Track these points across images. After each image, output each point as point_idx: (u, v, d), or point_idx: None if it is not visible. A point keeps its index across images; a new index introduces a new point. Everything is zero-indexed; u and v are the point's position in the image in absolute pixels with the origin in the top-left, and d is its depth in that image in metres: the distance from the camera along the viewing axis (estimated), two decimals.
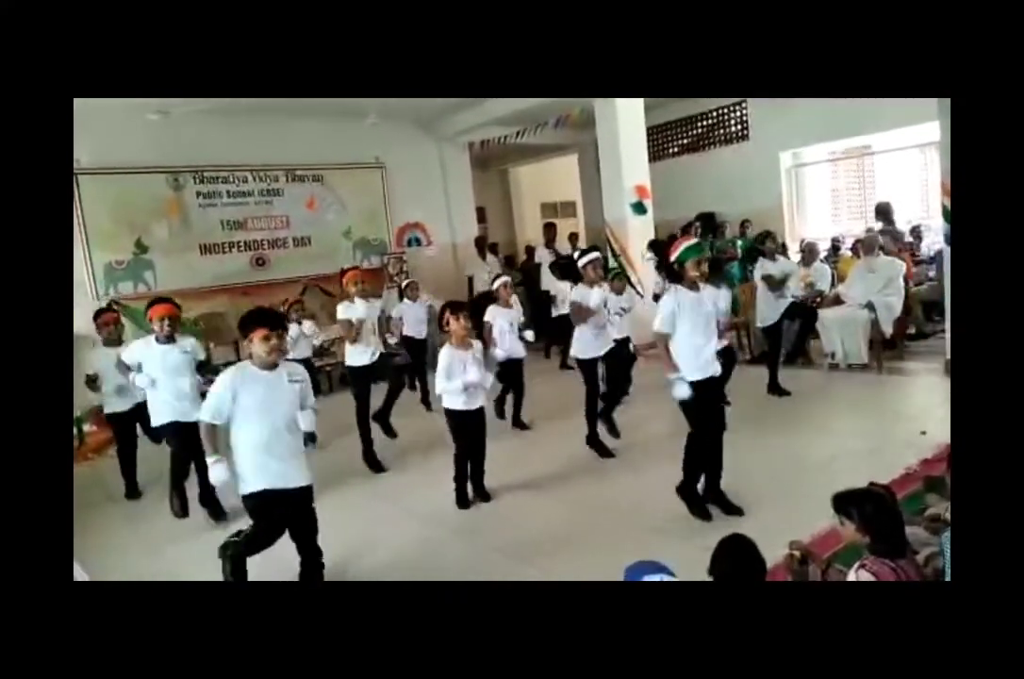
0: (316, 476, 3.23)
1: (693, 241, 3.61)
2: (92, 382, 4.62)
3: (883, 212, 7.47)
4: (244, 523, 3.87)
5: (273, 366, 2.96)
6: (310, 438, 5.39)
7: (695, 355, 3.50)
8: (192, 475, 4.20)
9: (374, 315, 4.97)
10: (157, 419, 4.12)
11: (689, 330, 3.49)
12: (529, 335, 5.35)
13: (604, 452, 4.69)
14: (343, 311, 4.84)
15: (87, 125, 5.26)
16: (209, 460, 2.95)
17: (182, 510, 4.14)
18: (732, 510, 3.60)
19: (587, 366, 4.70)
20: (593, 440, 4.75)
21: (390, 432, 5.10)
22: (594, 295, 4.62)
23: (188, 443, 4.03)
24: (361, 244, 8.66)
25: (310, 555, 3.20)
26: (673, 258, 3.52)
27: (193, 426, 3.98)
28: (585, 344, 4.68)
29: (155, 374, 4.04)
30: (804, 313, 6.02)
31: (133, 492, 4.79)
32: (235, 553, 3.07)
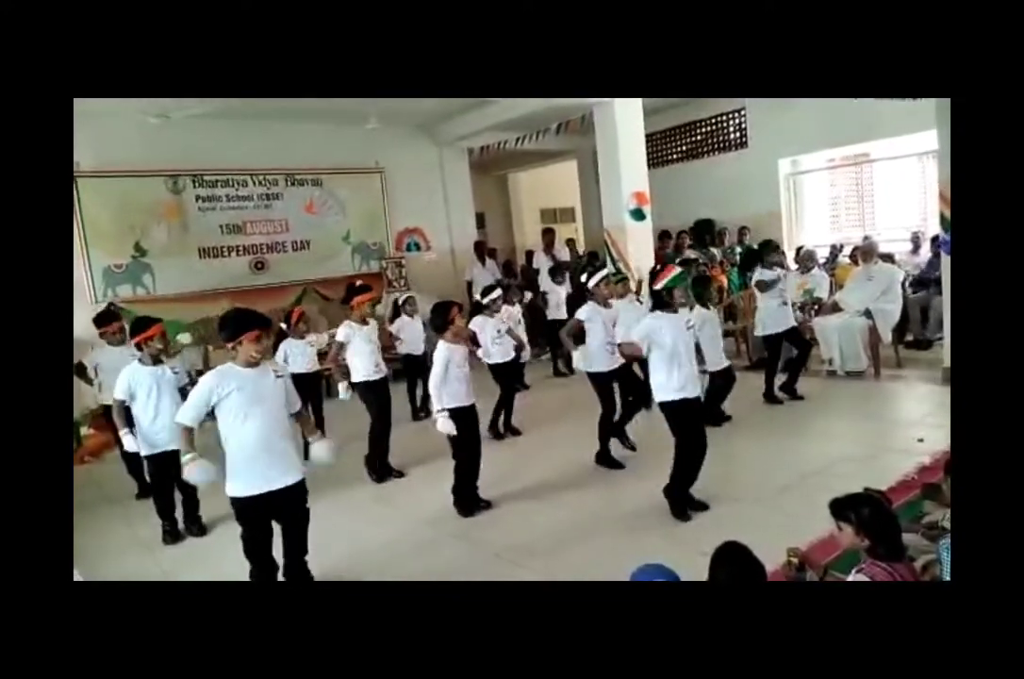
0: (316, 478, 3.24)
1: (678, 271, 3.78)
2: (82, 373, 4.68)
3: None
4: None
5: (256, 363, 2.94)
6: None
7: (677, 377, 3.63)
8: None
9: (375, 335, 4.87)
10: (143, 448, 3.98)
11: (669, 351, 3.62)
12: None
13: (615, 465, 4.61)
14: (343, 333, 4.78)
15: (87, 128, 5.28)
16: (184, 459, 2.90)
17: (173, 539, 4.05)
18: (697, 507, 3.75)
19: (599, 379, 4.59)
20: (604, 457, 4.63)
21: (395, 473, 4.87)
22: (606, 315, 4.62)
23: (169, 473, 3.99)
24: (360, 248, 8.66)
25: (295, 552, 3.19)
26: (661, 286, 3.68)
27: (175, 453, 3.95)
28: (596, 358, 4.56)
29: (144, 398, 3.92)
30: (800, 342, 5.95)
31: (145, 491, 4.67)
32: (253, 571, 3.10)
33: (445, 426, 3.81)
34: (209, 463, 2.91)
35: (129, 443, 3.95)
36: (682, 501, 3.73)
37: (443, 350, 3.90)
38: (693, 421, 3.73)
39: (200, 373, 3.94)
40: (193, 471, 2.88)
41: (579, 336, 4.65)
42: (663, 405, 3.71)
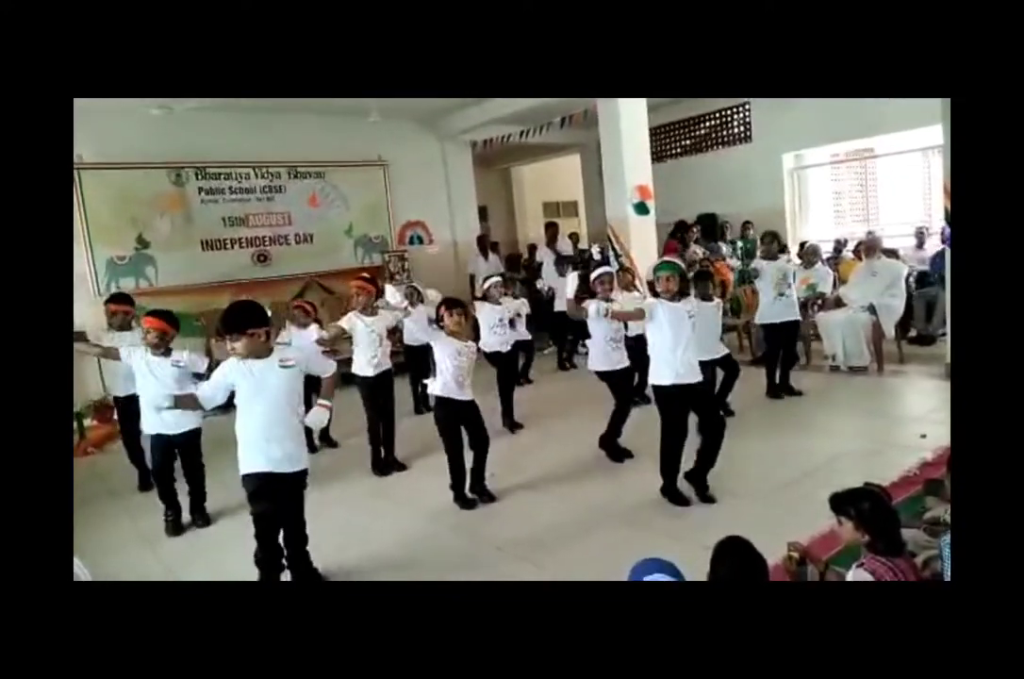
0: (318, 471, 3.25)
1: (663, 260, 3.88)
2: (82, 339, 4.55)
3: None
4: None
5: (267, 352, 3.02)
6: (323, 439, 5.48)
7: (671, 360, 3.71)
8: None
9: (380, 327, 4.79)
10: (145, 426, 4.08)
11: (668, 337, 3.70)
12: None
13: (616, 455, 4.63)
14: (346, 321, 4.74)
15: (90, 120, 5.27)
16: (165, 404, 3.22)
17: (175, 530, 4.08)
18: (705, 498, 3.81)
19: (607, 377, 4.64)
20: (608, 442, 4.67)
21: (397, 466, 4.86)
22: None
23: (169, 458, 4.07)
24: (363, 241, 8.66)
25: (294, 541, 3.22)
26: (650, 274, 3.80)
27: (175, 437, 4.01)
28: (602, 356, 4.61)
29: (145, 383, 3.98)
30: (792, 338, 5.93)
31: (146, 482, 4.69)
32: (259, 555, 3.13)
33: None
34: (163, 400, 3.22)
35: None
36: (676, 489, 3.81)
37: (441, 335, 3.94)
38: (697, 407, 3.79)
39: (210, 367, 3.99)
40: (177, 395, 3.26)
41: (583, 331, 4.67)
42: (655, 389, 3.79)
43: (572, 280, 4.02)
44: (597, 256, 4.29)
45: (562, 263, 7.96)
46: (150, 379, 3.96)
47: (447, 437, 4.01)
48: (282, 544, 3.17)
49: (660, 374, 3.75)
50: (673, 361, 3.70)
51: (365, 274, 5.36)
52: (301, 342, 4.92)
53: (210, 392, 3.08)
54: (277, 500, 3.10)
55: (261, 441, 3.00)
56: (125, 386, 4.61)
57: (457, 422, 4.03)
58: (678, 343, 3.70)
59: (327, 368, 3.33)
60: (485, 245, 9.24)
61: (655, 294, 3.78)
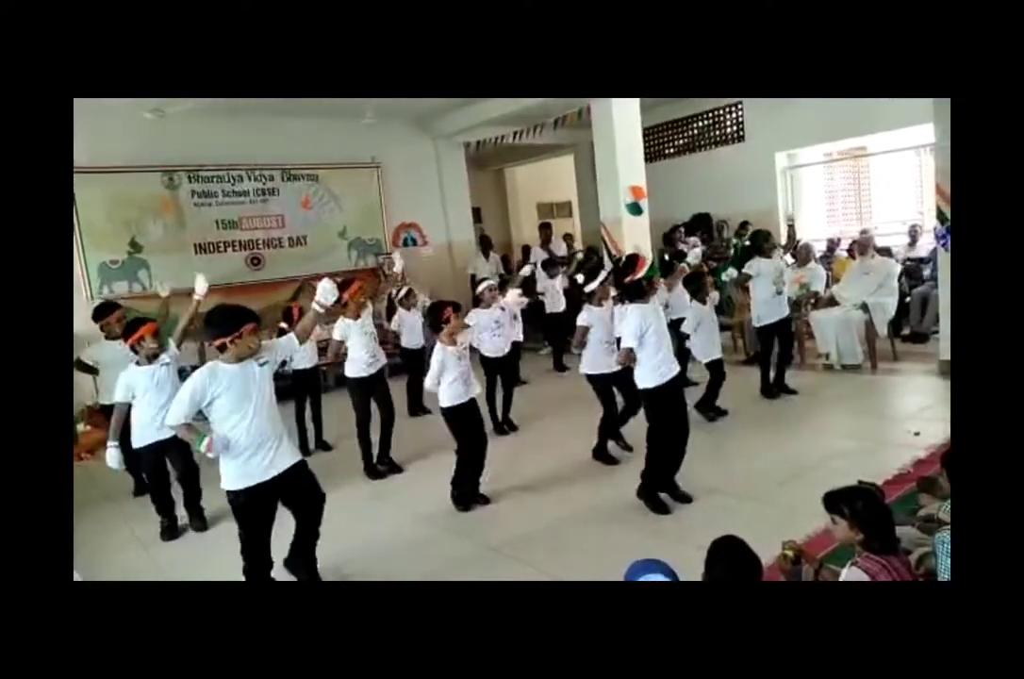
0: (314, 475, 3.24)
1: (649, 262, 3.94)
2: (87, 368, 4.80)
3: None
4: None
5: (248, 356, 2.92)
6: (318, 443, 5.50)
7: (659, 362, 3.73)
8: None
9: (371, 324, 4.81)
10: (137, 441, 3.99)
11: (654, 341, 3.71)
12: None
13: (610, 461, 4.62)
14: (339, 331, 4.73)
15: (82, 124, 5.24)
16: (200, 446, 2.86)
17: (171, 535, 4.07)
18: (682, 499, 3.84)
19: (598, 381, 4.59)
20: (600, 452, 4.66)
21: (395, 469, 4.88)
22: (603, 315, 4.58)
23: (162, 464, 4.06)
24: (357, 244, 8.65)
25: (306, 536, 3.21)
26: (640, 276, 3.79)
27: (168, 441, 3.92)
28: (595, 360, 4.56)
29: (142, 398, 3.93)
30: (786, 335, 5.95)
31: (141, 488, 4.67)
32: (248, 568, 3.10)
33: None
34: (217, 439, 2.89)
35: (111, 458, 3.72)
36: (657, 495, 3.80)
37: (439, 352, 3.94)
38: (672, 403, 3.79)
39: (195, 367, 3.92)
40: (213, 448, 2.82)
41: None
42: (645, 392, 3.78)
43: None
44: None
45: (551, 265, 7.97)
46: (151, 394, 3.92)
47: (464, 438, 4.02)
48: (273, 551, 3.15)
49: (647, 377, 3.74)
50: (659, 362, 3.72)
51: (338, 279, 5.19)
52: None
53: (187, 409, 2.85)
54: (268, 510, 3.04)
55: (253, 448, 2.89)
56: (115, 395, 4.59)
57: (466, 422, 4.02)
58: (661, 344, 3.73)
59: (295, 346, 3.19)
60: (488, 246, 9.27)
61: (634, 296, 3.76)
